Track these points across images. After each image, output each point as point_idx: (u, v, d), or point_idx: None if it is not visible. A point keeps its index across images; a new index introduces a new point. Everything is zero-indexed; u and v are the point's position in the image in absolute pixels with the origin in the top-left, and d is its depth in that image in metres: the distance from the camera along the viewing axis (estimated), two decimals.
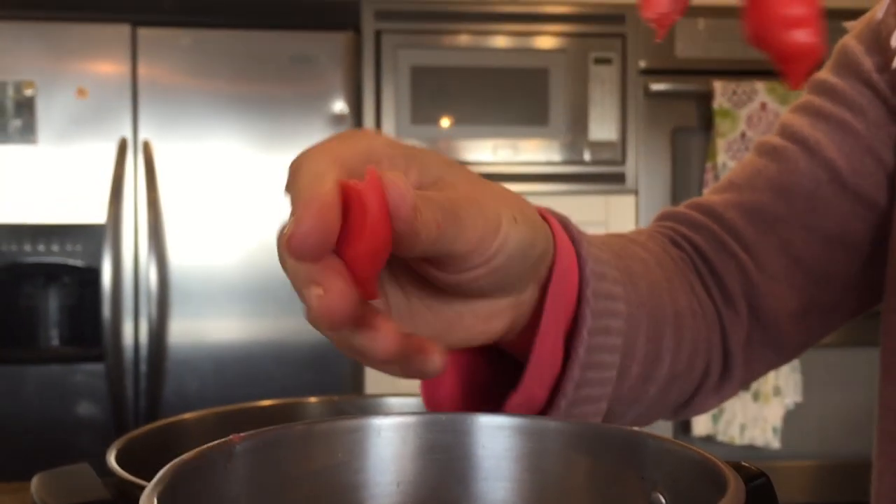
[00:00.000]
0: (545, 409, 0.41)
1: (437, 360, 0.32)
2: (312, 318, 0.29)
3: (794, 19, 0.26)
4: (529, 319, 0.40)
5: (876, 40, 0.56)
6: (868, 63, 0.56)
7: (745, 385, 0.57)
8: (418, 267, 0.35)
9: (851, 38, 0.58)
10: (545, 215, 0.41)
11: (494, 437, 0.35)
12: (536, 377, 0.40)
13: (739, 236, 0.56)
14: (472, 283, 0.35)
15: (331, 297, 0.29)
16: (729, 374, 0.55)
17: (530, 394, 0.40)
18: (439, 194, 0.32)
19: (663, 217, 0.60)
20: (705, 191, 2.21)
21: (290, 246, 0.29)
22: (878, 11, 0.56)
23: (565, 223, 0.42)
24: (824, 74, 0.59)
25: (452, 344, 0.38)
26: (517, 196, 0.37)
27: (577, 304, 0.41)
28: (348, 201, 0.29)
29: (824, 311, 0.57)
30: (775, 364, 0.58)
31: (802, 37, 0.26)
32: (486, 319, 0.38)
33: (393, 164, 0.33)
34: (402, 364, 0.32)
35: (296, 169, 0.31)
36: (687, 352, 0.50)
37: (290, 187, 0.31)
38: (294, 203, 0.30)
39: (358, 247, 0.29)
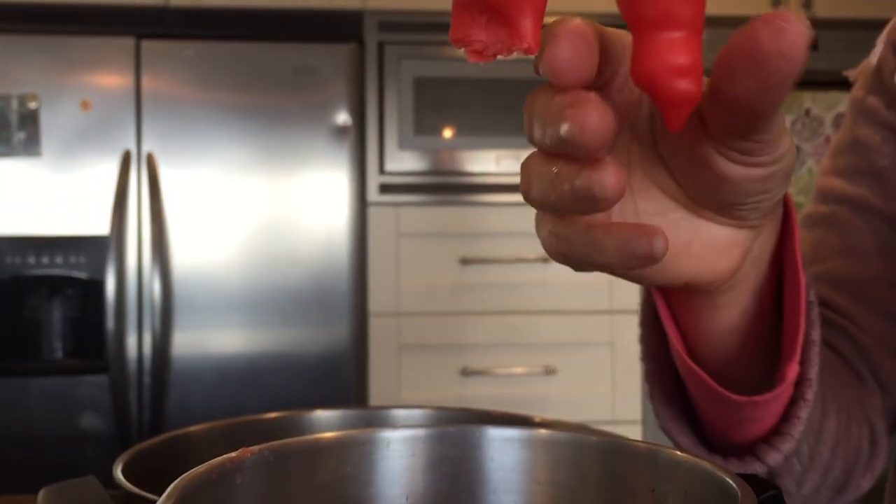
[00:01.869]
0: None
1: (661, 240, 0.29)
2: (578, 132, 0.28)
3: (679, 68, 0.28)
4: (753, 283, 0.39)
5: (879, 82, 0.57)
6: (879, 106, 0.57)
7: (887, 459, 0.55)
8: (709, 147, 0.32)
9: (858, 89, 0.59)
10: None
11: (504, 449, 0.34)
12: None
13: (833, 306, 0.55)
14: (751, 181, 0.33)
15: (593, 115, 0.28)
16: (875, 447, 0.53)
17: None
18: None
19: None
20: None
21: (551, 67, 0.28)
22: (872, 57, 0.58)
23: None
24: (846, 132, 0.59)
25: (674, 274, 0.36)
26: None
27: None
28: None
29: None
30: None
31: (686, 85, 0.28)
32: (716, 251, 0.36)
33: None
34: (624, 244, 0.30)
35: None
36: (845, 413, 0.49)
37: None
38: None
39: None
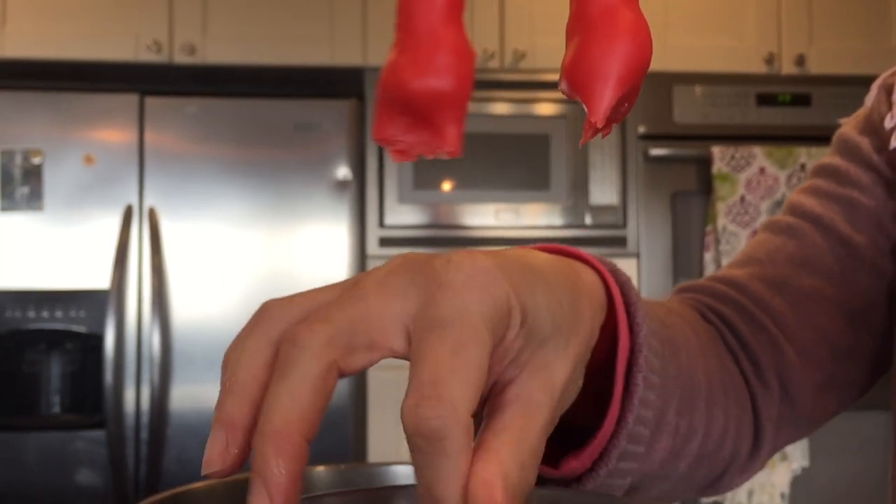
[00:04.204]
0: (580, 477, 0.40)
1: None
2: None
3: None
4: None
5: (870, 125, 0.59)
6: (866, 145, 0.58)
7: (767, 460, 0.57)
8: None
9: (848, 127, 0.61)
10: (605, 277, 0.38)
11: None
12: (598, 444, 0.39)
13: (767, 308, 0.56)
14: None
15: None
16: (758, 452, 0.54)
17: (584, 459, 0.39)
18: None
19: (684, 290, 0.59)
20: (707, 255, 2.19)
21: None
22: (867, 100, 0.60)
23: (624, 286, 0.40)
24: (827, 159, 0.61)
25: None
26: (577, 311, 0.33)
27: (627, 373, 0.40)
28: None
29: (842, 387, 0.57)
30: (795, 439, 0.58)
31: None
32: None
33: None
34: None
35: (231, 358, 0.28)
36: (718, 431, 0.49)
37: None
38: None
39: None
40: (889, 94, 0.58)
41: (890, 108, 0.57)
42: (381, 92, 0.29)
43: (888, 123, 0.56)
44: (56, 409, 2.12)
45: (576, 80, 0.28)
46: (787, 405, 0.55)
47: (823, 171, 0.60)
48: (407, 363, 0.27)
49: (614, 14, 0.27)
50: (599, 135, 0.32)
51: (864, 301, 0.56)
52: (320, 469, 0.56)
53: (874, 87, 0.59)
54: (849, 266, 0.56)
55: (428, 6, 0.27)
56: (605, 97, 0.28)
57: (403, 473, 0.58)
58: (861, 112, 0.61)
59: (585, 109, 0.28)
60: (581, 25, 0.28)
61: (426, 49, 0.27)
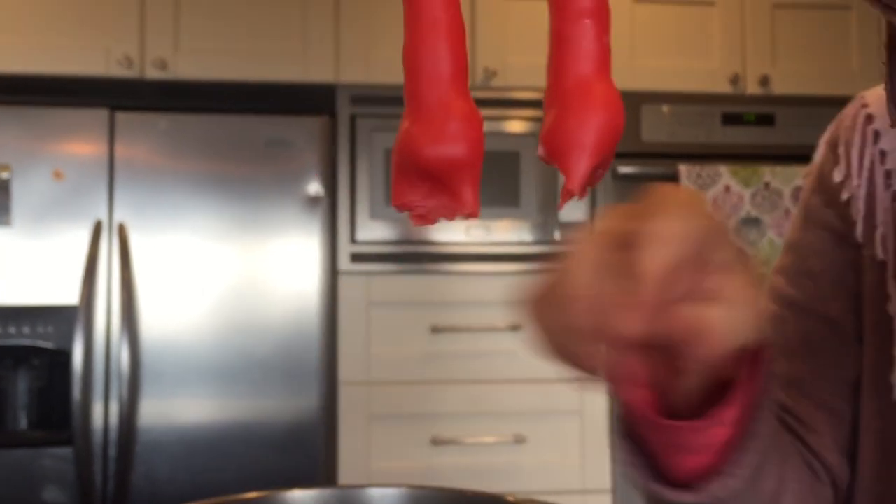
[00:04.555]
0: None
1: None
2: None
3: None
4: None
5: (821, 182, 0.62)
6: (817, 204, 0.61)
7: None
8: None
9: (805, 189, 0.64)
10: None
11: None
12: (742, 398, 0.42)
13: (787, 408, 0.58)
14: None
15: None
16: None
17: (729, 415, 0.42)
18: None
19: None
20: None
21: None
22: (816, 157, 0.63)
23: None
24: (793, 233, 0.64)
25: None
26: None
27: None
28: None
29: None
30: None
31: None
32: None
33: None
34: None
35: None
36: (801, 499, 0.52)
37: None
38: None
39: None
40: (835, 148, 0.60)
41: (837, 162, 0.59)
42: (397, 160, 0.30)
43: (837, 177, 0.59)
44: (23, 425, 2.10)
45: (553, 150, 0.29)
46: (835, 488, 0.58)
47: (790, 248, 0.63)
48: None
49: (588, 87, 0.29)
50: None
51: (856, 369, 0.58)
52: (297, 492, 0.57)
53: (821, 144, 0.62)
54: (834, 341, 0.59)
55: (436, 76, 0.28)
56: (580, 167, 0.29)
57: (378, 496, 0.59)
58: (813, 168, 0.63)
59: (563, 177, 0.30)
60: (557, 97, 0.29)
61: (438, 118, 0.28)
